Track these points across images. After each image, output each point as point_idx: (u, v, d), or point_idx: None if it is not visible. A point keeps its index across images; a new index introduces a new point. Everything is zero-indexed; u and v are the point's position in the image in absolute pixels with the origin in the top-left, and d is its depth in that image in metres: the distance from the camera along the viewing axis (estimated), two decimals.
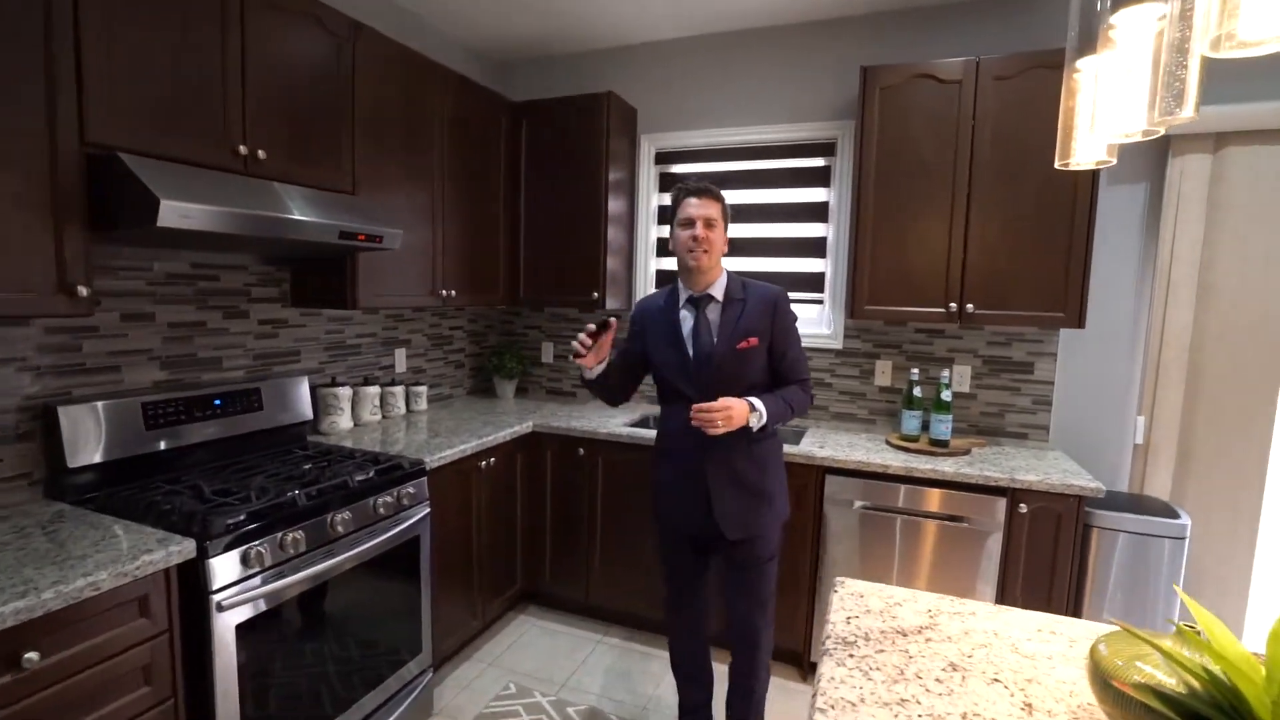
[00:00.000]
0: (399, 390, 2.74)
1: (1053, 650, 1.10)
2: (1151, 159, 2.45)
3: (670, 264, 3.19)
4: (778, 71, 2.90)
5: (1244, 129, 2.28)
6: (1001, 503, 2.17)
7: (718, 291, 1.83)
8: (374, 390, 2.60)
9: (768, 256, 3.00)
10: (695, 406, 1.68)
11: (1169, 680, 0.77)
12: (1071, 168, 1.27)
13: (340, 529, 1.75)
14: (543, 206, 3.02)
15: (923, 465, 2.25)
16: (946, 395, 2.42)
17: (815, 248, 2.94)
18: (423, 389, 2.87)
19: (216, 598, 1.44)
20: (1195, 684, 0.73)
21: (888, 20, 2.72)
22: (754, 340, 1.78)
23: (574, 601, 2.85)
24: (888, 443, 2.54)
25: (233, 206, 1.58)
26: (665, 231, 3.18)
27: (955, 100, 2.35)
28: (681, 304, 1.86)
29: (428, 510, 2.08)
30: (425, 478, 2.10)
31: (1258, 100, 2.30)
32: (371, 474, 1.91)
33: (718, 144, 3.02)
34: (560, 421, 2.78)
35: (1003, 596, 2.20)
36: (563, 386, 3.44)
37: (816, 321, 3.00)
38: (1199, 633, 0.81)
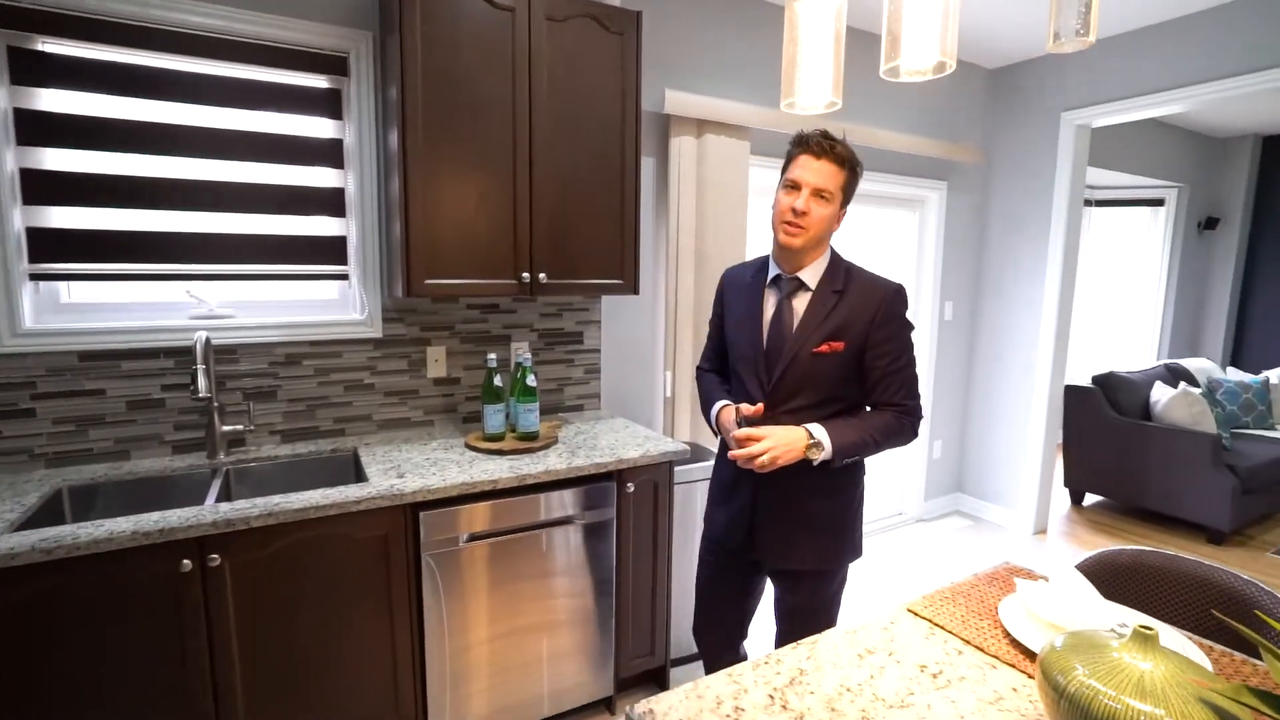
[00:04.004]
0: None
1: (902, 678, 0.94)
2: (658, 137, 2.65)
3: (61, 218, 1.81)
4: None
5: (713, 119, 2.68)
6: (611, 487, 2.03)
7: (810, 277, 1.49)
8: None
9: (244, 212, 2.01)
10: (735, 435, 1.42)
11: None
12: (796, 111, 1.10)
13: None
14: None
15: (532, 468, 1.90)
16: (531, 380, 2.11)
17: (327, 202, 2.14)
18: None
19: None
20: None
21: None
22: (839, 345, 1.44)
23: None
24: (470, 447, 2.08)
25: None
26: (30, 157, 1.77)
27: (509, 32, 1.97)
28: (768, 282, 1.54)
29: None
30: None
31: (721, 98, 2.75)
32: None
33: (136, 15, 1.81)
34: None
35: (619, 585, 2.09)
36: None
37: (340, 304, 2.22)
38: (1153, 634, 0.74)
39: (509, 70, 1.98)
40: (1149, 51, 3.08)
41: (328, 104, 2.09)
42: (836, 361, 1.45)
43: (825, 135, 1.40)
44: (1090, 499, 4.37)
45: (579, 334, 2.59)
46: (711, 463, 2.40)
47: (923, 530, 3.77)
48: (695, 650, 2.48)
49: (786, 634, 1.60)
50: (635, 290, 2.32)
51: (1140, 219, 5.44)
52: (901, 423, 1.46)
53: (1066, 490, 4.33)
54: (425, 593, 1.77)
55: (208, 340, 1.83)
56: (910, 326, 1.48)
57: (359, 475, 1.94)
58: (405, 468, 1.87)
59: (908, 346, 1.47)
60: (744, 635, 1.74)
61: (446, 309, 2.32)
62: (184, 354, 1.94)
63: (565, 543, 1.97)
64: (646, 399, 2.80)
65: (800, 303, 1.49)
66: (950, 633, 1.07)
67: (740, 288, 1.61)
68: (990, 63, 3.62)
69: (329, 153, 2.11)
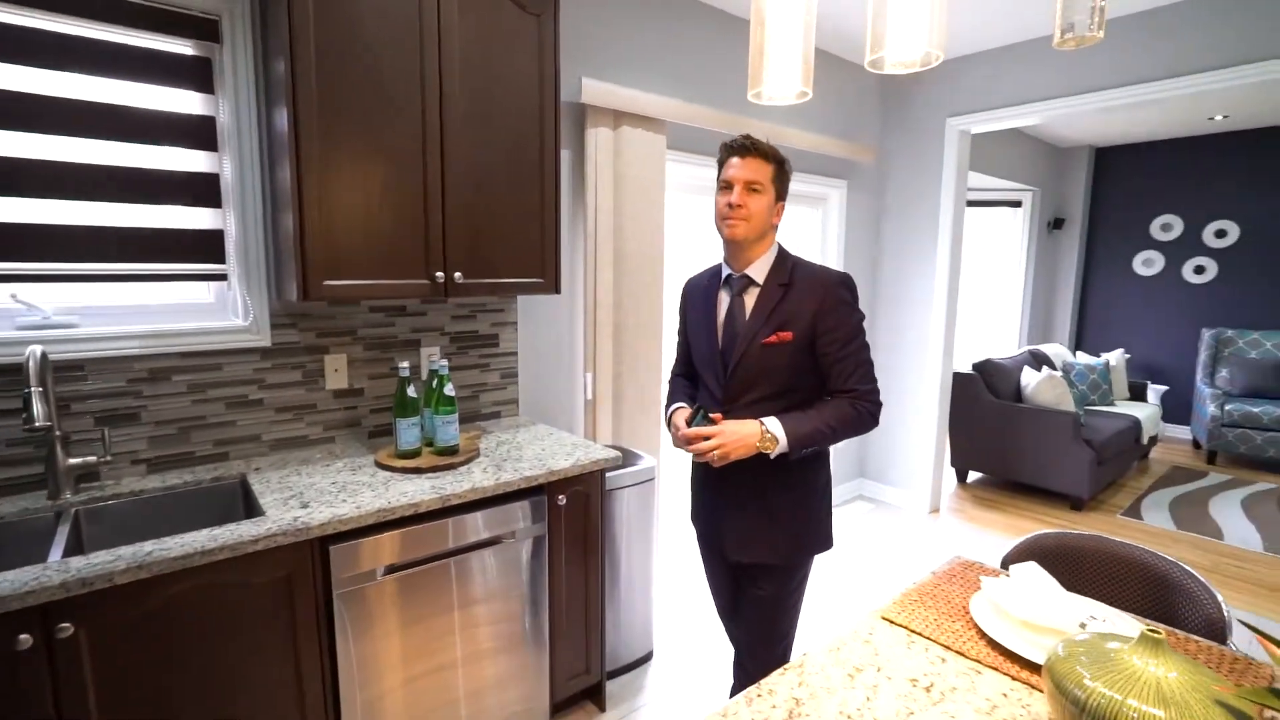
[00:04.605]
0: None
1: (897, 696, 0.90)
2: (574, 127, 2.52)
3: None
4: None
5: (630, 111, 2.59)
6: (542, 501, 1.90)
7: (758, 273, 1.51)
8: None
9: (87, 199, 1.67)
10: (682, 434, 1.48)
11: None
12: (764, 101, 1.03)
13: None
14: None
15: (456, 486, 1.73)
16: (450, 389, 1.93)
17: (198, 190, 1.83)
18: None
19: None
20: None
21: None
22: (787, 335, 1.45)
23: None
24: (382, 466, 1.87)
25: None
26: None
27: (416, 5, 1.78)
28: (721, 284, 1.57)
29: None
30: None
31: (638, 89, 2.66)
32: None
33: None
34: None
35: (552, 605, 1.96)
36: None
37: (218, 309, 1.92)
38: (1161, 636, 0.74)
39: (417, 48, 1.79)
40: (1020, 66, 3.34)
41: (195, 74, 1.79)
42: (787, 351, 1.47)
43: (747, 137, 1.47)
44: (972, 476, 4.74)
45: (494, 336, 2.42)
46: (639, 466, 2.33)
47: (834, 516, 3.90)
48: (634, 658, 2.41)
49: (752, 627, 1.59)
50: (557, 289, 2.19)
51: (1003, 218, 5.97)
52: (858, 409, 1.45)
53: (954, 469, 4.67)
54: (338, 638, 1.56)
55: (43, 355, 1.50)
56: (859, 314, 1.50)
57: (250, 507, 1.68)
58: (308, 495, 1.64)
59: (857, 332, 1.48)
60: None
61: (347, 313, 2.08)
62: (11, 373, 1.59)
63: (494, 565, 1.81)
64: (566, 403, 2.68)
65: (751, 298, 1.53)
66: (930, 639, 1.05)
67: (698, 293, 1.66)
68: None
69: (198, 132, 1.80)
